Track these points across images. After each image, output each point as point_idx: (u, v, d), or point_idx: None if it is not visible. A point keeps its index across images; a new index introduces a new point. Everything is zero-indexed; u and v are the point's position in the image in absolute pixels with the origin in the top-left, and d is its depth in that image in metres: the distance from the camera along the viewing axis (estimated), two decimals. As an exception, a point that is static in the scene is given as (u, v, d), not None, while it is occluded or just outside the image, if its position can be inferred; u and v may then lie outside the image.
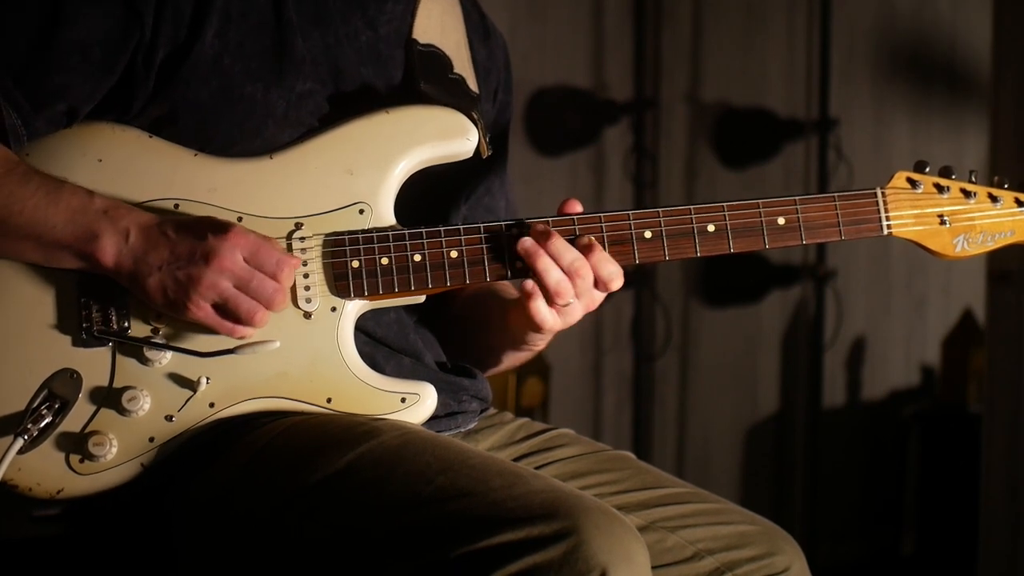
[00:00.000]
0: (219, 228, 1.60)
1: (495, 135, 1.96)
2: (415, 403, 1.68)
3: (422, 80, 1.80)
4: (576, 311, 1.71)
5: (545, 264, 1.67)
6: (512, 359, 1.93)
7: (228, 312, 1.61)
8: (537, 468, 1.81)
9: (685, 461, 4.58)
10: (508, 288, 1.92)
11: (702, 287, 4.57)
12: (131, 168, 1.67)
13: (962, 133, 4.97)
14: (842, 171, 4.57)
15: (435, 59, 1.84)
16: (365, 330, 1.74)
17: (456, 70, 1.86)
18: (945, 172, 1.82)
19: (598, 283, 1.70)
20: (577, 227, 1.72)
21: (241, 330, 1.62)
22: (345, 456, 1.56)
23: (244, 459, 1.62)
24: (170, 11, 1.67)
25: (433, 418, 1.77)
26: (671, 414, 4.58)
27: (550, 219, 1.72)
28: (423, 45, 1.84)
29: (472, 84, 1.88)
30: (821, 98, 4.57)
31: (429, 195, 1.82)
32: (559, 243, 1.68)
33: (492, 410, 1.94)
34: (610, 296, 1.76)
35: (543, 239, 1.68)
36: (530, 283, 1.68)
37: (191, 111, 1.68)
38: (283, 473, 1.59)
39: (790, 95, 4.64)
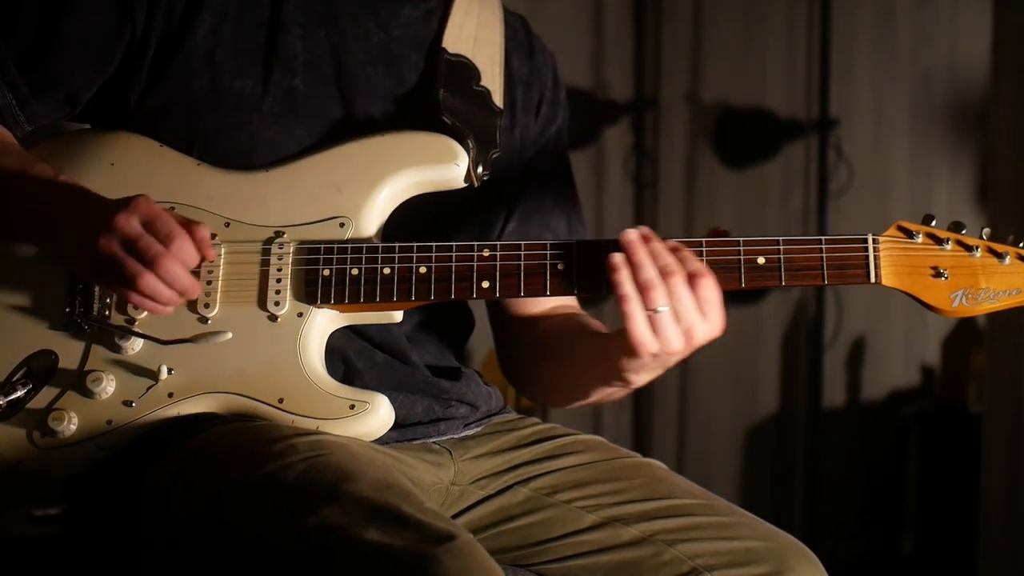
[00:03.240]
0: (127, 198, 1.64)
1: (542, 151, 1.96)
2: (364, 411, 1.68)
3: (443, 88, 1.81)
4: (671, 329, 1.63)
5: (641, 258, 1.63)
6: (601, 393, 1.85)
7: (115, 273, 1.63)
8: (537, 476, 1.80)
9: (685, 461, 4.57)
10: (598, 323, 1.91)
11: (702, 287, 4.57)
12: (139, 173, 1.75)
13: (962, 133, 4.96)
14: (842, 171, 4.57)
15: (463, 69, 1.86)
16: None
17: (483, 82, 1.87)
18: (955, 227, 1.73)
19: (690, 279, 1.63)
20: (549, 252, 1.70)
21: (133, 296, 1.64)
22: (256, 472, 1.56)
23: (186, 456, 1.65)
24: (163, 7, 1.74)
25: (414, 424, 1.78)
26: (671, 414, 4.58)
27: (523, 243, 1.70)
28: (452, 54, 1.85)
29: (498, 99, 1.88)
30: (821, 98, 4.57)
31: (466, 216, 1.84)
32: (658, 245, 1.65)
33: (512, 415, 1.93)
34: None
35: (644, 239, 1.65)
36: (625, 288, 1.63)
37: (182, 104, 1.74)
38: (210, 474, 1.61)
39: (790, 95, 4.64)
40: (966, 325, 4.68)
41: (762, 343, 4.71)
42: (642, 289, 1.63)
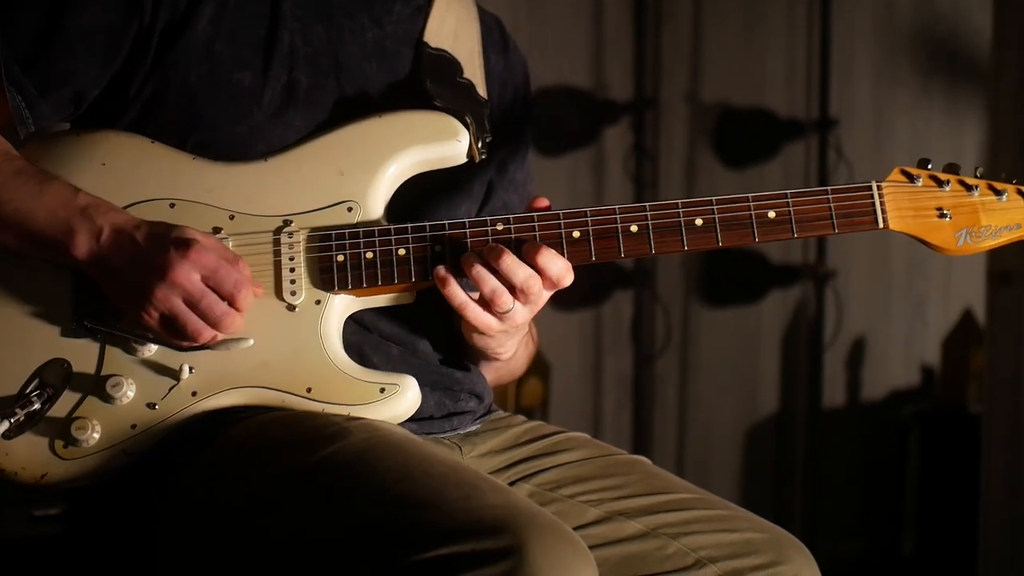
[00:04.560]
0: (182, 243, 1.63)
1: (512, 150, 1.97)
2: (394, 393, 1.68)
3: (429, 79, 1.82)
4: (519, 313, 1.69)
5: (478, 273, 1.67)
6: (493, 372, 1.93)
7: (176, 327, 1.64)
8: (538, 472, 1.82)
9: (685, 461, 4.57)
10: None
11: (702, 287, 4.57)
12: (133, 171, 1.73)
13: (962, 133, 4.96)
14: (842, 171, 4.57)
15: (445, 62, 1.86)
16: (355, 318, 1.75)
17: (466, 75, 1.88)
18: (951, 169, 1.77)
19: (546, 282, 1.68)
20: (563, 221, 1.72)
21: (187, 346, 1.65)
22: (313, 456, 1.57)
23: (223, 451, 1.64)
24: None
25: (429, 419, 1.78)
26: (671, 414, 4.58)
27: (536, 214, 1.72)
28: (434, 48, 1.86)
29: (481, 91, 1.90)
30: (821, 98, 4.57)
31: (443, 208, 1.85)
32: (510, 260, 1.67)
33: (500, 412, 1.94)
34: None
35: (494, 257, 1.67)
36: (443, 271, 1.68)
37: (180, 93, 1.73)
38: (256, 466, 1.61)
39: (790, 95, 4.64)
40: (966, 325, 4.68)
41: (762, 343, 4.70)
42: (488, 301, 1.67)
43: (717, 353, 4.62)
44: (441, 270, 1.67)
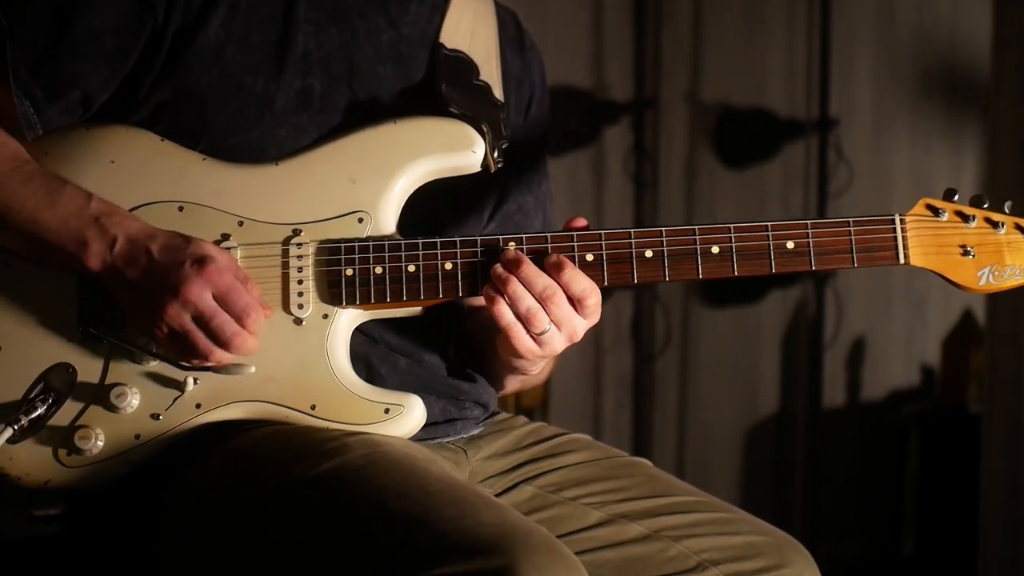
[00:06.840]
0: (198, 260, 1.61)
1: (528, 151, 1.95)
2: (399, 414, 1.67)
3: (444, 83, 1.79)
4: (556, 339, 1.67)
5: (516, 291, 1.65)
6: (513, 383, 1.91)
7: (186, 344, 1.62)
8: (542, 474, 1.81)
9: (685, 461, 4.57)
10: None
11: (702, 287, 4.57)
12: (141, 170, 1.70)
13: (962, 133, 4.96)
14: (842, 171, 4.57)
15: (461, 64, 1.84)
16: (362, 328, 1.74)
17: (482, 77, 1.85)
18: (976, 201, 1.73)
19: (572, 301, 1.66)
20: (576, 244, 1.69)
21: (197, 364, 1.64)
22: (312, 471, 1.56)
23: (224, 462, 1.64)
24: (182, 0, 1.69)
25: (432, 424, 1.76)
26: (671, 414, 4.58)
27: (548, 235, 1.69)
28: (450, 50, 1.83)
29: (498, 93, 1.87)
30: (821, 98, 4.57)
31: (453, 210, 1.83)
32: (530, 270, 1.65)
33: (503, 414, 1.93)
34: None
35: (514, 266, 1.65)
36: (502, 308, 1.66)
37: (190, 98, 1.70)
38: (255, 478, 1.60)
39: (790, 95, 4.64)
40: (966, 325, 4.68)
41: (762, 343, 4.70)
42: (523, 320, 1.65)
43: (717, 353, 4.62)
44: (489, 290, 1.65)
